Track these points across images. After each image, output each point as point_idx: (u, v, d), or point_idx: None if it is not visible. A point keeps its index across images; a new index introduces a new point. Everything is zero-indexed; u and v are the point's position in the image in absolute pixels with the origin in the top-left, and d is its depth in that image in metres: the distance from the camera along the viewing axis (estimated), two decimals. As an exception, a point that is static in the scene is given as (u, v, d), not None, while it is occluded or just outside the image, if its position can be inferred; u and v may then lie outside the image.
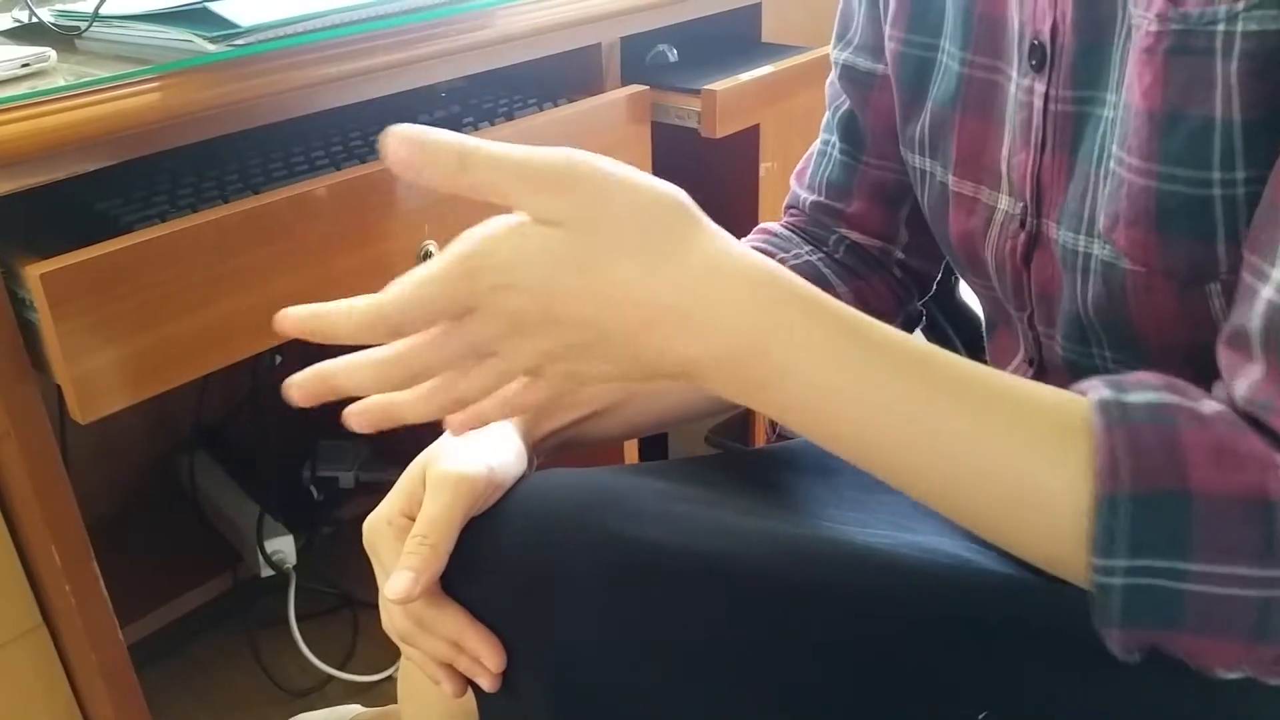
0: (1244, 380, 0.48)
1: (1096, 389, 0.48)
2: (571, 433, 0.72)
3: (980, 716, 0.57)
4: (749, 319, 0.48)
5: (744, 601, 0.57)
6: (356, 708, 1.25)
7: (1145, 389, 0.47)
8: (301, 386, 0.51)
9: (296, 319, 0.50)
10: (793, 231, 0.86)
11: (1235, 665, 0.48)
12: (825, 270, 0.81)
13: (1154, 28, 0.53)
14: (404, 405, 0.52)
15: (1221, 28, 0.50)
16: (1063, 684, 0.58)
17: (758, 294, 0.48)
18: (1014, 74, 0.65)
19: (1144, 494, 0.45)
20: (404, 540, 0.60)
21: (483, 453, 0.62)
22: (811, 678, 0.57)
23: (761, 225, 0.87)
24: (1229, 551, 0.44)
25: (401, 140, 0.49)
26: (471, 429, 0.55)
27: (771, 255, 0.78)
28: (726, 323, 0.48)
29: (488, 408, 0.53)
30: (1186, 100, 0.52)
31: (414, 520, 0.60)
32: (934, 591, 0.59)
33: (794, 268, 0.76)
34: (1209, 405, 0.47)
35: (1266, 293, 0.48)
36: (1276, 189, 0.49)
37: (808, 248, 0.83)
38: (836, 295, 0.75)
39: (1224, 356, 0.51)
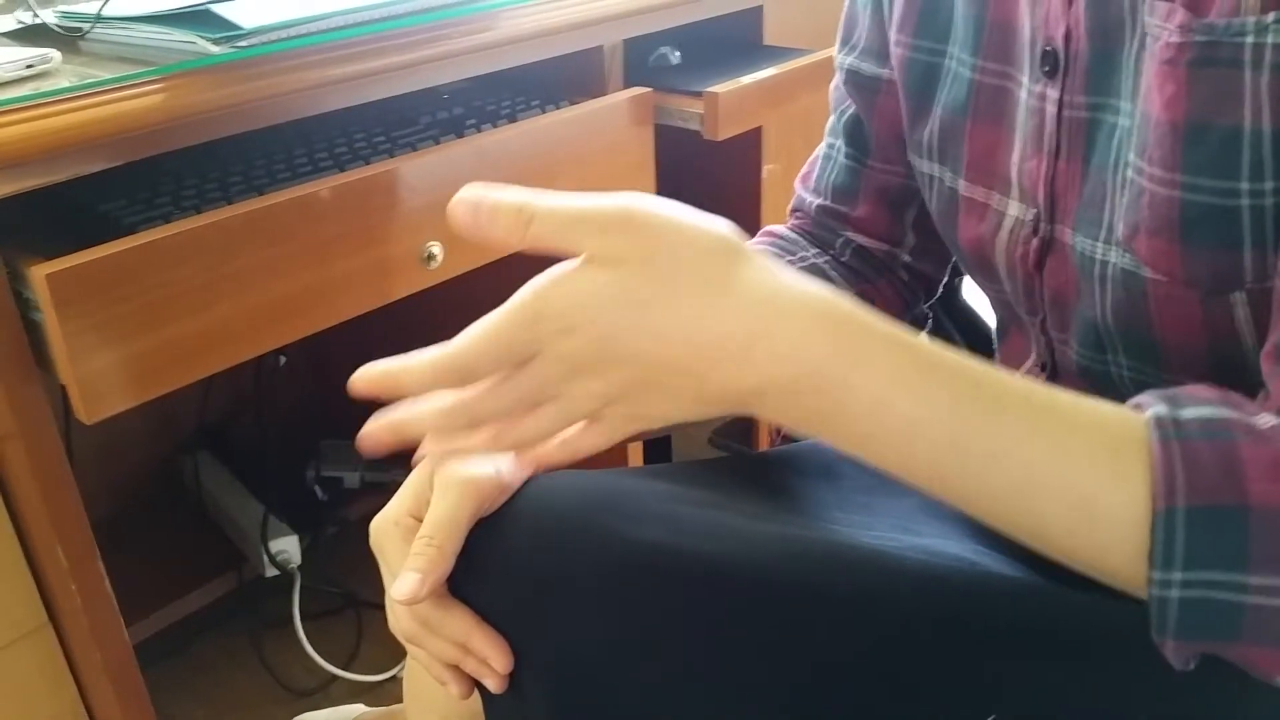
0: None
1: (1151, 404, 0.48)
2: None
3: (990, 719, 0.57)
4: (811, 346, 0.48)
5: (749, 603, 0.57)
6: (360, 707, 1.25)
7: (1200, 404, 0.47)
8: (374, 437, 0.54)
9: (368, 382, 0.53)
10: (799, 234, 0.86)
11: None
12: (831, 273, 0.81)
13: (1175, 39, 0.53)
14: (467, 448, 0.55)
15: (1250, 39, 0.50)
16: (1069, 687, 0.58)
17: (819, 322, 0.49)
18: (1025, 80, 0.65)
19: (1201, 508, 0.45)
20: (411, 541, 0.60)
21: (490, 455, 0.62)
22: (815, 680, 0.57)
23: (767, 228, 0.88)
24: None
25: (467, 206, 0.51)
26: (533, 473, 0.57)
27: (779, 258, 0.79)
28: (788, 350, 0.48)
29: (550, 452, 0.55)
30: (1213, 111, 0.52)
31: (421, 521, 0.61)
32: (939, 594, 0.59)
33: (800, 270, 0.77)
34: (1265, 419, 0.47)
35: None
36: None
37: (814, 250, 0.83)
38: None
39: (1268, 368, 0.51)
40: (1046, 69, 0.63)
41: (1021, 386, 0.49)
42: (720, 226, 0.51)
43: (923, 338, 0.50)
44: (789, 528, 0.63)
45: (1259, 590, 0.45)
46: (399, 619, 0.63)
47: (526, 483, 0.63)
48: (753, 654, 0.57)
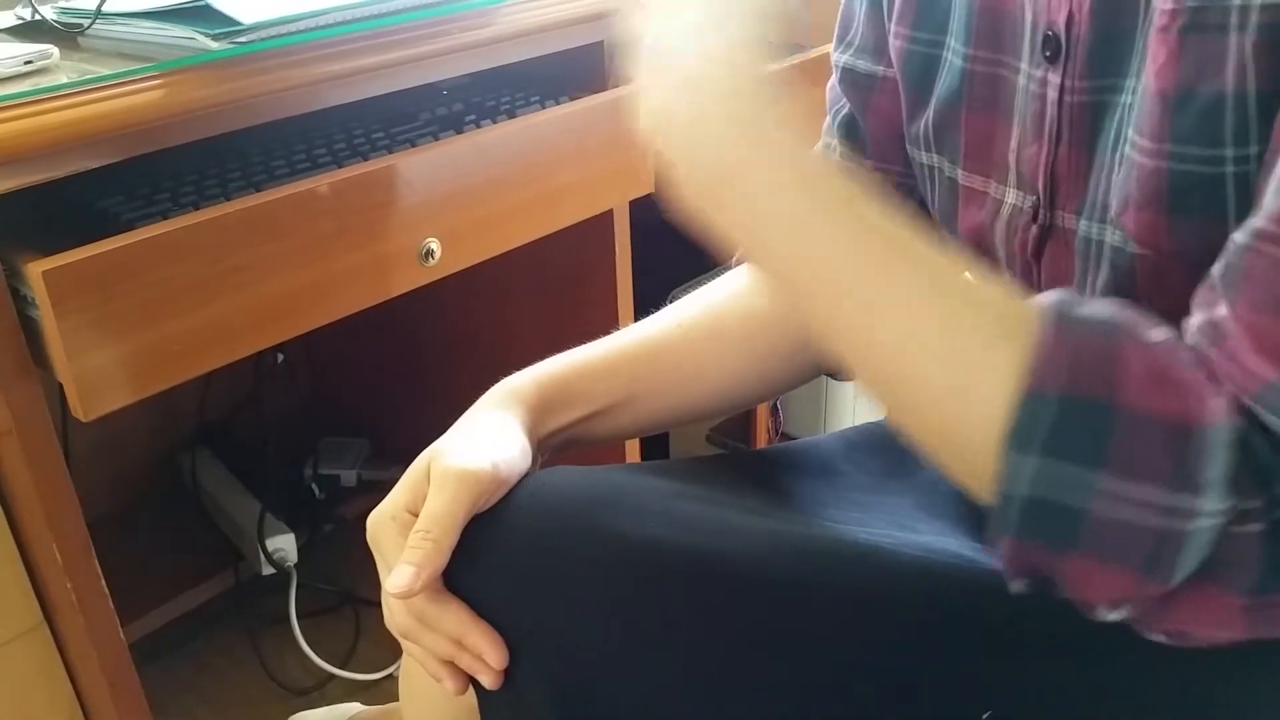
0: (1201, 314, 0.48)
1: (1050, 298, 0.48)
2: (575, 431, 0.72)
3: (984, 717, 0.57)
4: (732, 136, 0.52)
5: (745, 599, 0.57)
6: (357, 706, 1.25)
7: (1101, 307, 0.47)
8: None
9: None
10: None
11: (1120, 600, 0.47)
12: None
13: (1169, 5, 0.52)
14: None
15: (1238, 1, 0.50)
16: (1064, 684, 0.58)
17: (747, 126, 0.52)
18: (1023, 66, 0.65)
19: (1071, 396, 0.44)
20: (407, 536, 0.60)
21: (487, 449, 0.62)
22: (812, 676, 0.57)
23: None
24: (1141, 474, 0.44)
25: None
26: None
27: None
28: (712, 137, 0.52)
29: None
30: (1199, 77, 0.52)
31: (418, 516, 0.60)
32: (936, 591, 0.59)
33: None
34: (1159, 332, 0.46)
35: (1238, 235, 0.47)
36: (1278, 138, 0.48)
37: None
38: None
39: (1197, 295, 0.50)
40: (1047, 54, 0.62)
41: (933, 250, 0.50)
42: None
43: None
44: (786, 524, 0.63)
45: (1107, 495, 0.44)
46: (394, 614, 0.63)
47: (524, 478, 0.63)
48: (749, 648, 0.57)
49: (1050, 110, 0.63)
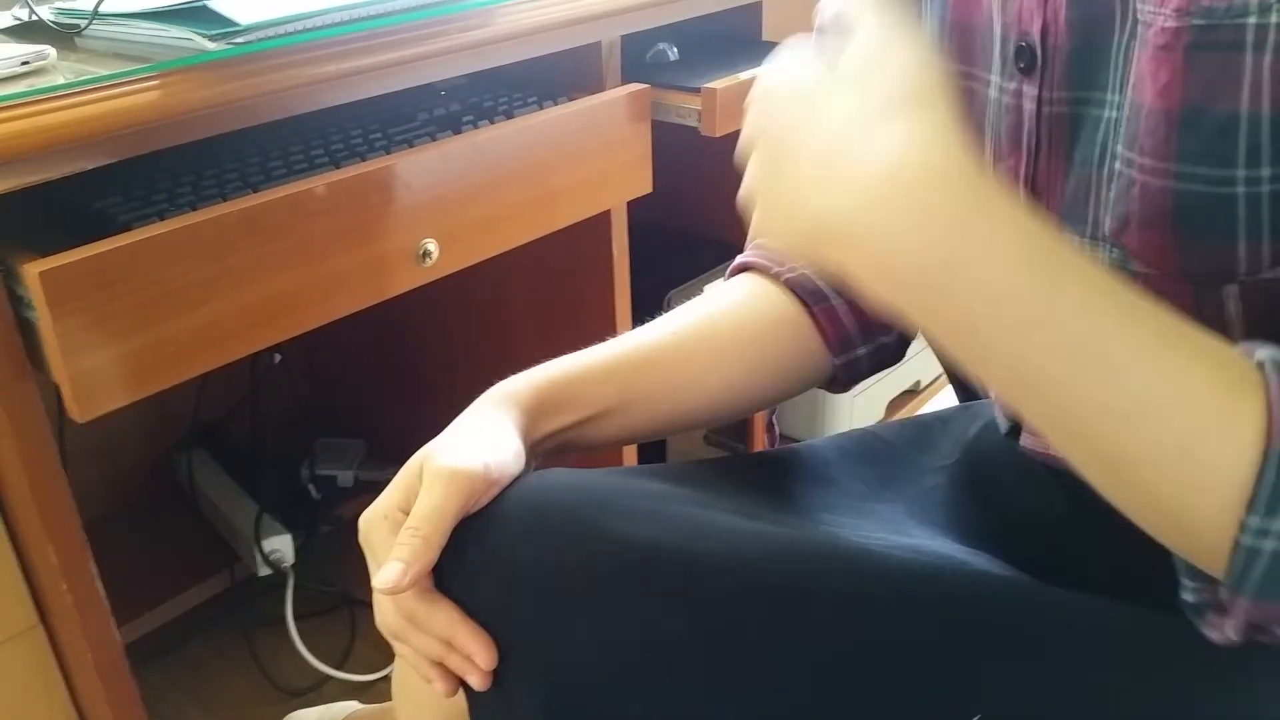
0: None
1: (1264, 349, 0.46)
2: (569, 435, 0.72)
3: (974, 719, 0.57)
4: (923, 225, 0.46)
5: (737, 601, 0.57)
6: (353, 704, 1.25)
7: None
8: None
9: None
10: None
11: None
12: (820, 282, 0.81)
13: (1171, 24, 0.52)
14: None
15: (1253, 20, 0.49)
16: (1057, 687, 0.58)
17: (935, 195, 0.47)
18: (994, 78, 0.64)
19: None
20: (397, 535, 0.60)
21: (480, 451, 0.62)
22: (805, 677, 0.57)
23: (757, 240, 0.87)
24: None
25: None
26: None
27: (766, 269, 0.78)
28: (899, 229, 0.47)
29: None
30: (1210, 96, 0.51)
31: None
32: (929, 593, 0.59)
33: (790, 280, 0.77)
34: None
35: None
36: None
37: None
38: (832, 309, 0.77)
39: None
40: (1021, 65, 0.62)
41: (1148, 301, 0.46)
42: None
43: (1044, 224, 0.47)
44: (779, 527, 0.63)
45: None
46: (384, 614, 0.62)
47: (516, 479, 0.63)
48: (740, 651, 0.57)
49: (1028, 122, 0.62)
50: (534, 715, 0.58)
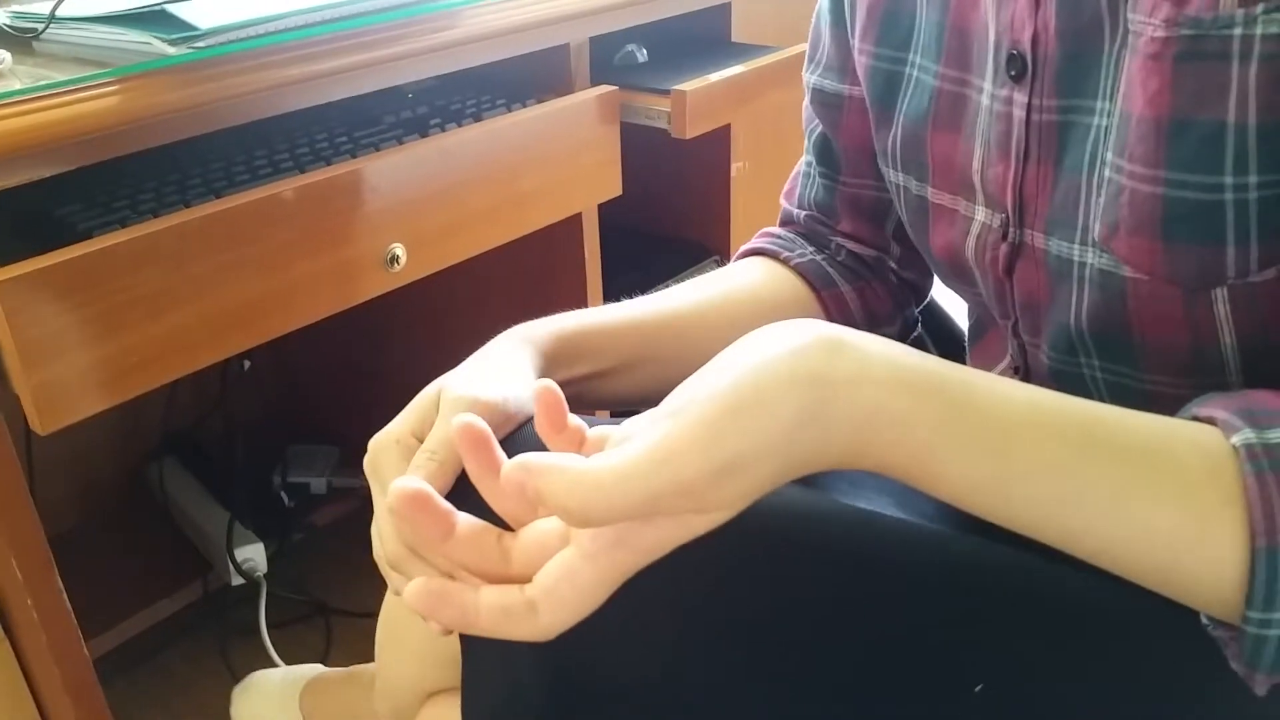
0: None
1: (1226, 421, 0.46)
2: (582, 387, 0.71)
3: (977, 689, 0.57)
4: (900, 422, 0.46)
5: (741, 560, 0.56)
6: (318, 667, 1.24)
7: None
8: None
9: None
10: (794, 234, 0.86)
11: None
12: (829, 269, 0.82)
13: (1160, 34, 0.53)
14: None
15: (1239, 31, 0.50)
16: (1060, 662, 0.58)
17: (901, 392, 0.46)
18: (987, 85, 0.65)
19: None
20: (409, 460, 0.59)
21: (499, 384, 0.61)
22: (810, 636, 0.57)
23: (764, 230, 0.89)
24: None
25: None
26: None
27: (776, 255, 0.82)
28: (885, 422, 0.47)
29: None
30: (1197, 106, 0.52)
31: (422, 442, 0.59)
32: (934, 557, 0.59)
33: (799, 265, 0.81)
34: None
35: None
36: None
37: (811, 248, 0.84)
38: (841, 294, 0.81)
39: None
40: (1013, 73, 0.63)
41: (1108, 421, 0.47)
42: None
43: (979, 375, 0.48)
44: (786, 488, 0.62)
45: None
46: (385, 541, 0.60)
47: (528, 422, 0.62)
48: (746, 612, 0.56)
49: (1018, 129, 0.63)
50: (530, 657, 0.57)
